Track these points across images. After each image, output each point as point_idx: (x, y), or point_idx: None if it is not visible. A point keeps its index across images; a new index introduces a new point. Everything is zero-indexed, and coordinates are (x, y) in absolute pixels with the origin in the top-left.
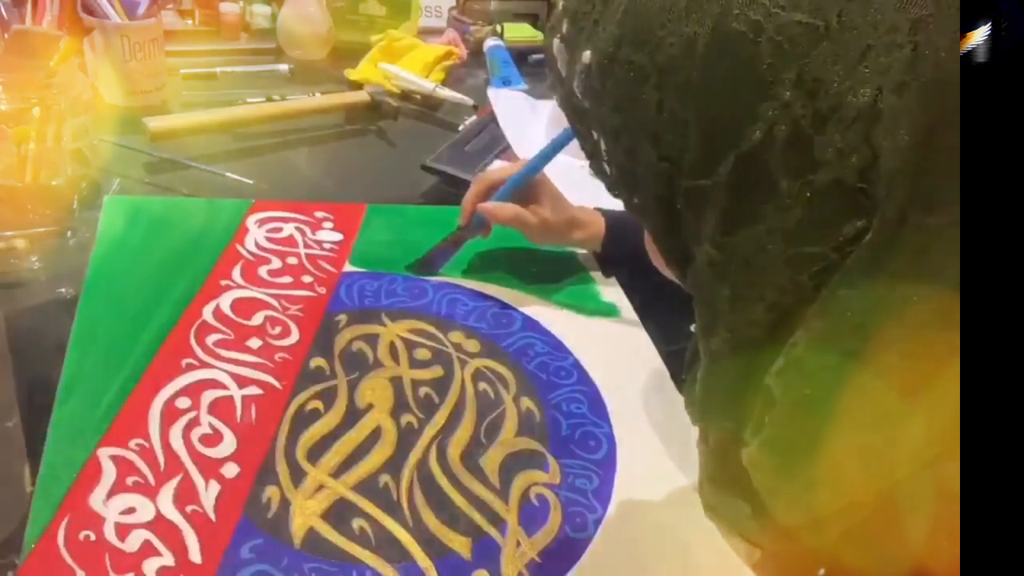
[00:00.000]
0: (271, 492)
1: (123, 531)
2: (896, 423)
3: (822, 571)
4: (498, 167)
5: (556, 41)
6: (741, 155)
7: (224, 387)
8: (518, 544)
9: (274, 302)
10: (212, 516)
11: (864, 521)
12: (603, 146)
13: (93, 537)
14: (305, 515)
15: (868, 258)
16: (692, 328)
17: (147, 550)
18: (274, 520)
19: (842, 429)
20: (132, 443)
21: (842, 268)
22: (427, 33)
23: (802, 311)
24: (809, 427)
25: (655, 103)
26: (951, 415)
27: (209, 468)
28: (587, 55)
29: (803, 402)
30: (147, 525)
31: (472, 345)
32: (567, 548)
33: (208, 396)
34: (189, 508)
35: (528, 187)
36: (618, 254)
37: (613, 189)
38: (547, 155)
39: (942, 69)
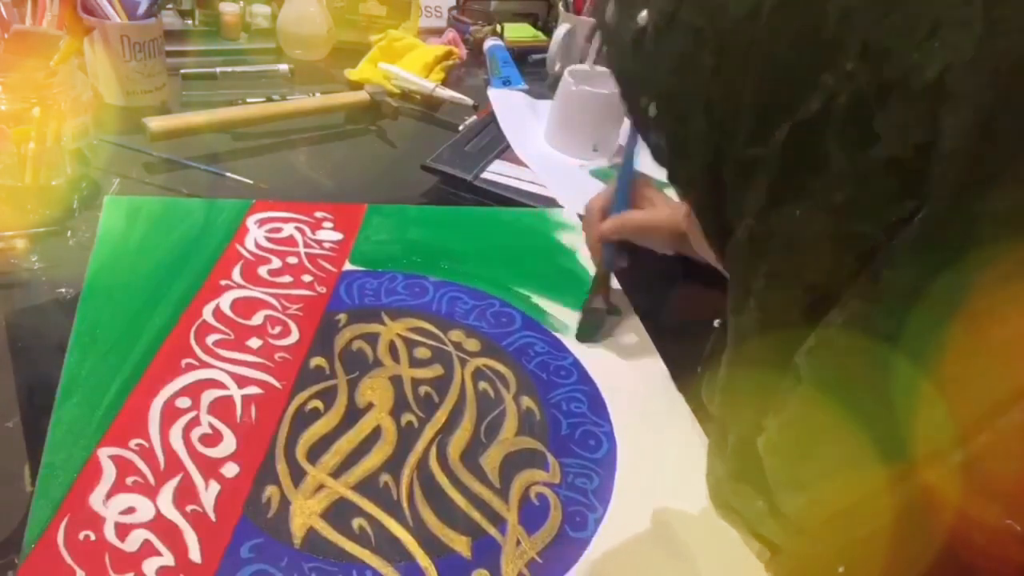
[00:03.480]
0: (271, 492)
1: (123, 531)
2: (924, 411)
3: (841, 569)
4: (593, 199)
5: (611, 1)
6: (797, 125)
7: (224, 387)
8: (518, 543)
9: (274, 301)
10: (212, 516)
11: (884, 524)
12: (652, 112)
13: (93, 537)
14: (305, 515)
15: (916, 240)
16: (715, 323)
17: (147, 550)
18: (274, 520)
19: (866, 413)
20: (132, 443)
21: (888, 249)
22: (427, 33)
23: (840, 293)
24: (832, 410)
25: (711, 68)
26: (983, 408)
27: (209, 468)
28: (643, 16)
29: (829, 383)
30: (147, 525)
31: (472, 344)
32: (567, 547)
33: (208, 396)
34: (189, 508)
35: (635, 195)
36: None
37: (659, 158)
38: (631, 154)
39: (1014, 49)
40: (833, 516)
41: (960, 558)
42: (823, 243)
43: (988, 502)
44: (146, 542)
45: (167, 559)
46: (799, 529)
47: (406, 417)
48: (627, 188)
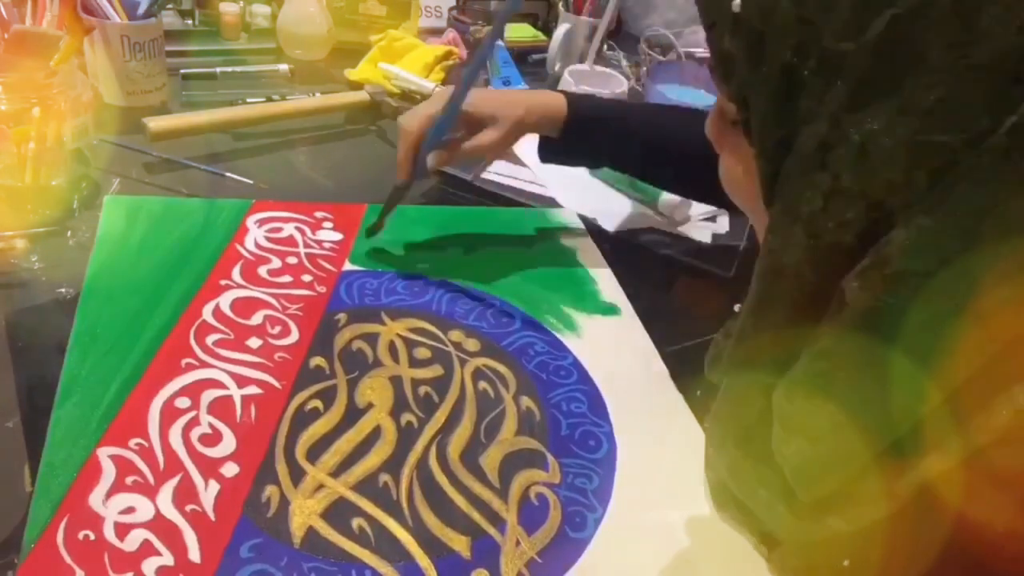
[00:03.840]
0: (270, 491)
1: (122, 530)
2: (971, 354)
3: (846, 562)
4: (417, 110)
5: None
6: (897, 16)
7: (224, 387)
8: (517, 543)
9: (274, 301)
10: (212, 515)
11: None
12: (734, 8)
13: (93, 536)
14: (305, 514)
15: (995, 157)
16: (736, 308)
17: (146, 549)
18: (273, 519)
19: (908, 349)
20: (132, 443)
21: (968, 162)
22: (427, 33)
23: (904, 213)
24: (871, 342)
25: None
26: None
27: (209, 468)
28: None
29: (876, 311)
30: (146, 524)
31: (472, 344)
32: (567, 547)
33: (208, 396)
34: (188, 507)
35: (466, 115)
36: (573, 138)
37: (727, 67)
38: (467, 82)
39: None
40: (836, 500)
41: (969, 554)
42: (900, 151)
43: (997, 493)
44: (145, 542)
45: (167, 559)
46: (809, 511)
47: (406, 417)
48: (449, 123)
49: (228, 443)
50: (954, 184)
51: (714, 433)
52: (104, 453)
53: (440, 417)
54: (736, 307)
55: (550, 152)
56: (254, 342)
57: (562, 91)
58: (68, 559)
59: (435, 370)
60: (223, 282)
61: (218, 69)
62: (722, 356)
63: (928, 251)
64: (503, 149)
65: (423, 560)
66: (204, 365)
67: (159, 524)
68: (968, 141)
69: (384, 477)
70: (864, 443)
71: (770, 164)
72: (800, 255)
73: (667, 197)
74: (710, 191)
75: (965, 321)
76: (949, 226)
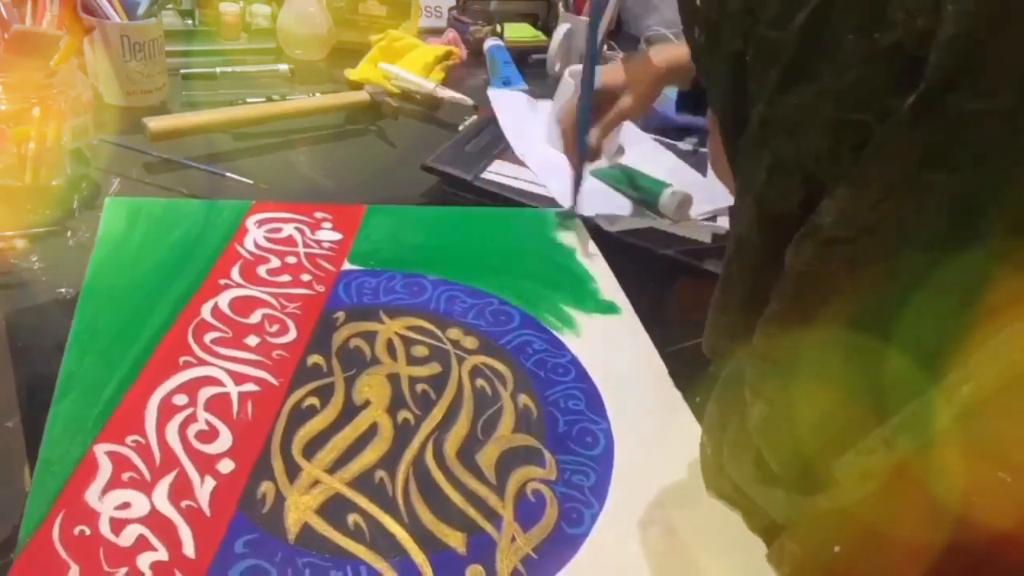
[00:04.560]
0: (266, 487)
1: (118, 526)
2: (892, 317)
3: (837, 548)
4: (560, 106)
5: None
6: (816, 8)
7: (221, 384)
8: (513, 539)
9: (272, 300)
10: (207, 511)
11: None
12: (697, 2)
13: (88, 532)
14: (300, 510)
15: (902, 132)
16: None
17: (141, 544)
18: (269, 515)
19: (838, 314)
20: (129, 439)
21: (880, 137)
22: (427, 33)
23: (832, 185)
24: (806, 308)
25: None
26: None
27: (205, 464)
28: None
29: (807, 276)
30: (142, 520)
31: (470, 342)
32: (563, 543)
33: (205, 393)
34: (184, 503)
35: (600, 94)
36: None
37: (697, 56)
38: (592, 61)
39: None
40: (819, 478)
41: (973, 550)
42: (824, 130)
43: (994, 466)
44: (140, 537)
45: (161, 554)
46: (796, 486)
47: (403, 414)
48: (591, 91)
49: (225, 440)
50: (870, 157)
51: (712, 416)
52: (101, 449)
53: (437, 414)
54: None
55: (687, 103)
56: (252, 340)
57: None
58: (63, 554)
59: (433, 368)
60: (222, 281)
61: (218, 69)
62: (709, 328)
63: (849, 218)
64: (646, 109)
65: (418, 556)
66: (202, 363)
67: (154, 519)
68: (879, 118)
69: (380, 473)
70: (811, 405)
71: (731, 143)
72: (753, 225)
73: (667, 197)
74: None
75: (891, 284)
76: (866, 195)
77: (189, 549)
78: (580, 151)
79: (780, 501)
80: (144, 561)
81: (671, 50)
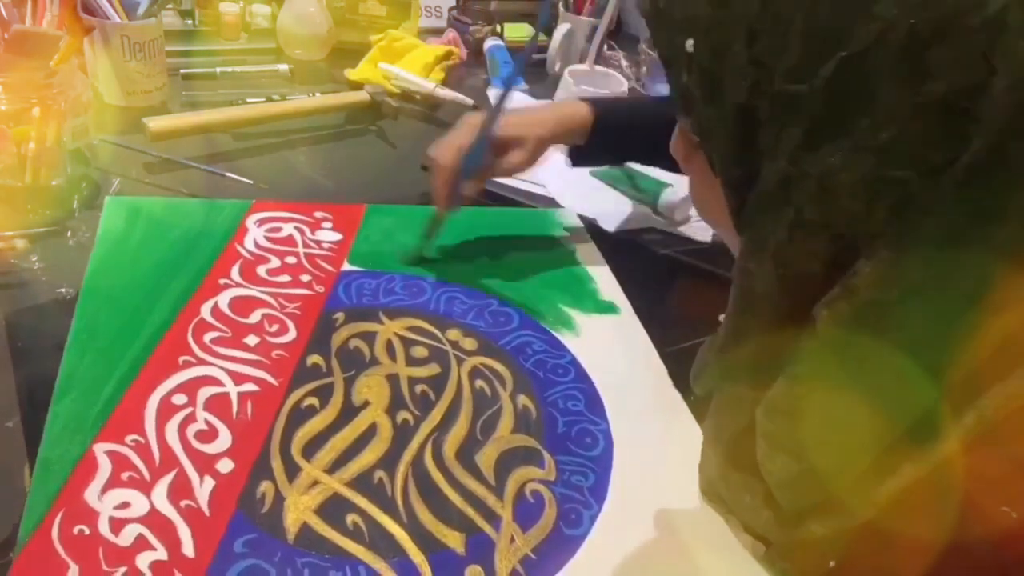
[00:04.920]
0: (265, 487)
1: (117, 525)
2: (942, 369)
3: (832, 563)
4: (448, 142)
5: None
6: (846, 59)
7: (220, 384)
8: (512, 540)
9: (272, 300)
10: (206, 510)
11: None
12: (687, 48)
13: (87, 531)
14: (299, 510)
15: (958, 186)
16: (721, 318)
17: (141, 544)
18: (268, 515)
19: (882, 368)
20: (128, 439)
21: (926, 195)
22: (427, 33)
23: (868, 245)
24: (844, 364)
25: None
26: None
27: (204, 464)
28: None
29: (845, 339)
30: (141, 519)
31: (469, 343)
32: (562, 544)
33: (204, 393)
34: (183, 503)
35: (493, 144)
36: (601, 143)
37: (686, 103)
38: (496, 112)
39: None
40: (825, 504)
41: (979, 547)
42: (859, 187)
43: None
44: (140, 536)
45: (160, 553)
46: (791, 518)
47: (402, 415)
48: (487, 143)
49: (224, 439)
50: (914, 217)
51: (707, 435)
52: (100, 449)
53: (436, 415)
54: (720, 317)
55: (579, 158)
56: (252, 340)
57: (587, 99)
58: (63, 553)
59: (432, 368)
60: (222, 281)
61: (218, 69)
62: (706, 369)
63: (893, 282)
64: (531, 166)
65: (417, 556)
66: (201, 363)
67: (153, 519)
68: (924, 175)
69: (379, 474)
70: (844, 458)
71: (736, 195)
72: (772, 283)
73: (667, 197)
74: None
75: (939, 347)
76: (912, 256)
77: (188, 549)
78: (455, 194)
79: (771, 527)
80: (143, 561)
81: (565, 107)
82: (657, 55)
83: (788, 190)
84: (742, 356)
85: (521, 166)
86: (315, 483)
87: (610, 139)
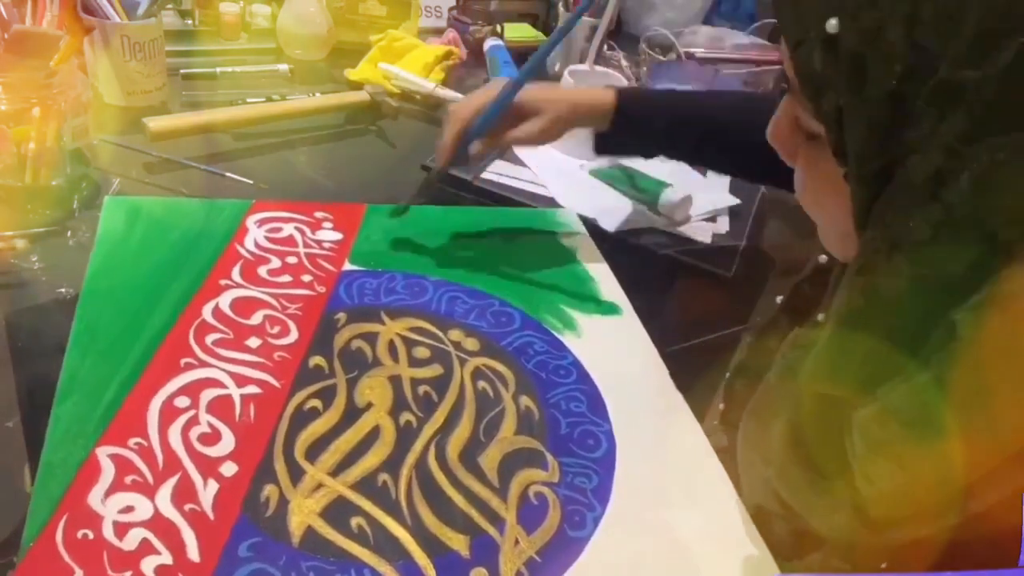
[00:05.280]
0: (269, 491)
1: (121, 529)
2: None
3: (884, 565)
4: (469, 99)
5: None
6: None
7: (223, 386)
8: (516, 542)
9: (273, 301)
10: (210, 514)
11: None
12: (828, 29)
13: (91, 535)
14: (303, 513)
15: None
16: (819, 317)
17: (145, 548)
18: (272, 518)
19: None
20: (131, 442)
21: None
22: (427, 33)
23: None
24: (985, 374)
25: None
26: None
27: (208, 467)
28: None
29: (995, 345)
30: (145, 523)
31: (471, 344)
32: (566, 546)
33: (207, 395)
34: (187, 507)
35: (511, 107)
36: (624, 131)
37: (816, 87)
38: (522, 77)
39: None
40: (919, 514)
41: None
42: (1019, 184)
43: None
44: (144, 541)
45: (165, 558)
46: (877, 524)
47: (405, 417)
48: (499, 112)
49: (227, 442)
50: None
51: (751, 432)
52: (103, 452)
53: (439, 416)
54: (819, 317)
55: (603, 145)
56: (253, 342)
57: (615, 86)
58: (67, 558)
59: (434, 370)
60: (223, 282)
61: (218, 69)
62: (795, 368)
63: None
64: (544, 141)
65: (422, 559)
66: (203, 364)
67: (158, 523)
68: None
69: (383, 476)
70: (957, 473)
71: (867, 190)
72: (903, 285)
73: (667, 197)
74: (769, 174)
75: None
76: None
77: (193, 553)
78: (461, 152)
79: (844, 530)
80: (148, 565)
81: (589, 90)
82: (783, 36)
83: (939, 185)
84: (852, 362)
85: (532, 137)
86: (319, 486)
87: (634, 128)
